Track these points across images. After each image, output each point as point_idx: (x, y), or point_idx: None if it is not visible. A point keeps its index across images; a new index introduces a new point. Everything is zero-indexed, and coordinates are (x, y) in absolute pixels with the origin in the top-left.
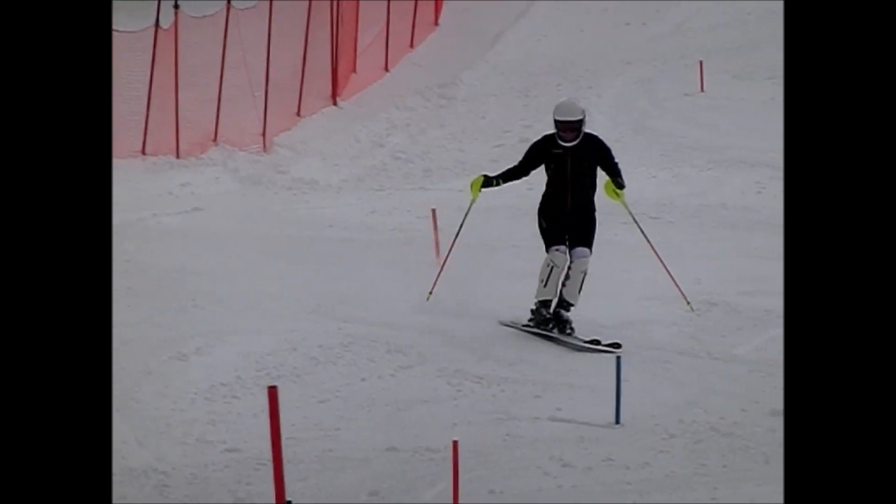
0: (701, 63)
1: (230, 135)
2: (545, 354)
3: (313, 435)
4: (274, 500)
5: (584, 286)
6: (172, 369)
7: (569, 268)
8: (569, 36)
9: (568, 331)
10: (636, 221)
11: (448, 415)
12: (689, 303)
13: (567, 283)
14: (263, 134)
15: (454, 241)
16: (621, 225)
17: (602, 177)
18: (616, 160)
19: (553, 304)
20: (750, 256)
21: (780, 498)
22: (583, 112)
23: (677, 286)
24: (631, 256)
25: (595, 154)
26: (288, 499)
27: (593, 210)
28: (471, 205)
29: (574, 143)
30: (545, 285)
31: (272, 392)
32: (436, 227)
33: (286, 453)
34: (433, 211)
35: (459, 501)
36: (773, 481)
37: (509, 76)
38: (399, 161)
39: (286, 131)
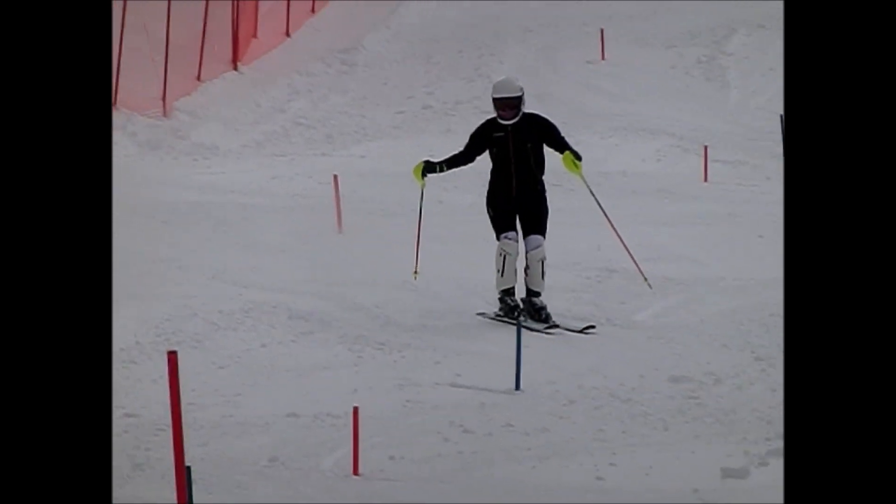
0: (602, 30)
1: (129, 99)
2: (446, 321)
3: (213, 400)
4: (173, 466)
5: (545, 271)
6: None
7: (526, 257)
8: (471, 1)
9: (544, 316)
10: (592, 193)
11: (349, 380)
12: (646, 279)
13: (528, 272)
14: (163, 98)
15: (419, 221)
16: None
17: (552, 155)
18: (563, 134)
19: (522, 293)
20: (650, 224)
21: (675, 463)
22: (521, 89)
23: (634, 261)
24: None
25: (537, 132)
26: (187, 464)
27: (542, 191)
28: (422, 192)
29: (513, 121)
30: (502, 275)
31: (172, 357)
32: (337, 194)
33: (186, 419)
34: (335, 177)
35: (359, 467)
36: (671, 448)
37: (411, 42)
38: (300, 127)
39: (186, 96)
